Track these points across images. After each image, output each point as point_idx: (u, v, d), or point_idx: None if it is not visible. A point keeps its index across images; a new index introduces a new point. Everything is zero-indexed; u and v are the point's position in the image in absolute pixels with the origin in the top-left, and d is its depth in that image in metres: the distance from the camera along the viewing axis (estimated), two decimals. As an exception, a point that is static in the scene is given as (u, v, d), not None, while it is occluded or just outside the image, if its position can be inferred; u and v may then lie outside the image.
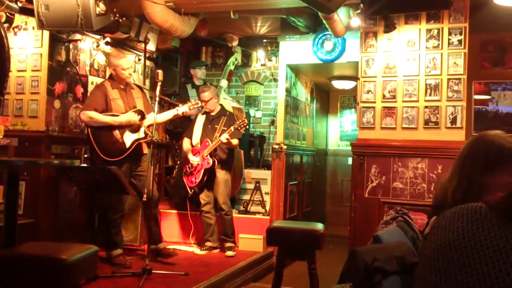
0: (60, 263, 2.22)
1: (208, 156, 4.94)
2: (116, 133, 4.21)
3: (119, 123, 4.20)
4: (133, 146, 4.23)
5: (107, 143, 4.19)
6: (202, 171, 4.96)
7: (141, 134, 4.27)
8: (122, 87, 4.37)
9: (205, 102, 5.02)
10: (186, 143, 5.16)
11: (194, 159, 4.99)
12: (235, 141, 4.96)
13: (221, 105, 5.30)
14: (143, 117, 4.27)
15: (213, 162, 4.94)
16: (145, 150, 4.42)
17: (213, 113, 5.11)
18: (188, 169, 5.07)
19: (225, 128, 4.93)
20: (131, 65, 4.36)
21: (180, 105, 4.55)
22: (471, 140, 1.68)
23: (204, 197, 5.07)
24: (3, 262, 2.31)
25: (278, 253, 3.43)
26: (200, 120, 5.13)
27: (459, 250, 1.05)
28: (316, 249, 3.33)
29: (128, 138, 4.25)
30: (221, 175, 5.03)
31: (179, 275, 4.02)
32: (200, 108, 4.93)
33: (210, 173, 5.00)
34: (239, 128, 4.82)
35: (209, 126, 5.08)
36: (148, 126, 4.27)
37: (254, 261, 4.81)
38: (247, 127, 5.19)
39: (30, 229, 4.36)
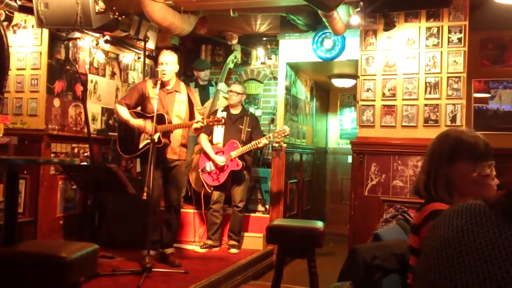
0: (60, 261, 2.22)
1: (237, 158, 4.91)
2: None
3: (131, 125, 4.18)
4: (143, 149, 4.16)
5: (125, 138, 4.27)
6: (228, 172, 4.94)
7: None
8: (166, 88, 4.22)
9: (236, 93, 5.03)
10: (204, 140, 5.03)
11: (221, 159, 4.92)
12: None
13: (242, 105, 5.26)
14: (163, 122, 4.10)
15: (242, 165, 4.92)
16: (175, 155, 4.27)
17: (235, 112, 5.05)
18: (208, 167, 5.01)
19: (249, 129, 4.98)
20: (164, 62, 4.12)
21: (201, 117, 4.23)
22: (436, 136, 1.87)
23: (216, 195, 5.05)
24: (3, 260, 2.32)
25: (278, 251, 3.43)
26: None
27: (459, 248, 1.05)
28: (316, 247, 3.34)
29: (143, 140, 4.24)
30: (244, 175, 5.04)
31: (179, 273, 4.03)
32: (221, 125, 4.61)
33: (234, 174, 4.99)
34: (280, 136, 4.85)
35: (232, 126, 5.03)
36: (166, 133, 4.14)
37: (254, 259, 4.81)
38: (288, 136, 5.13)
39: (30, 228, 4.38)
